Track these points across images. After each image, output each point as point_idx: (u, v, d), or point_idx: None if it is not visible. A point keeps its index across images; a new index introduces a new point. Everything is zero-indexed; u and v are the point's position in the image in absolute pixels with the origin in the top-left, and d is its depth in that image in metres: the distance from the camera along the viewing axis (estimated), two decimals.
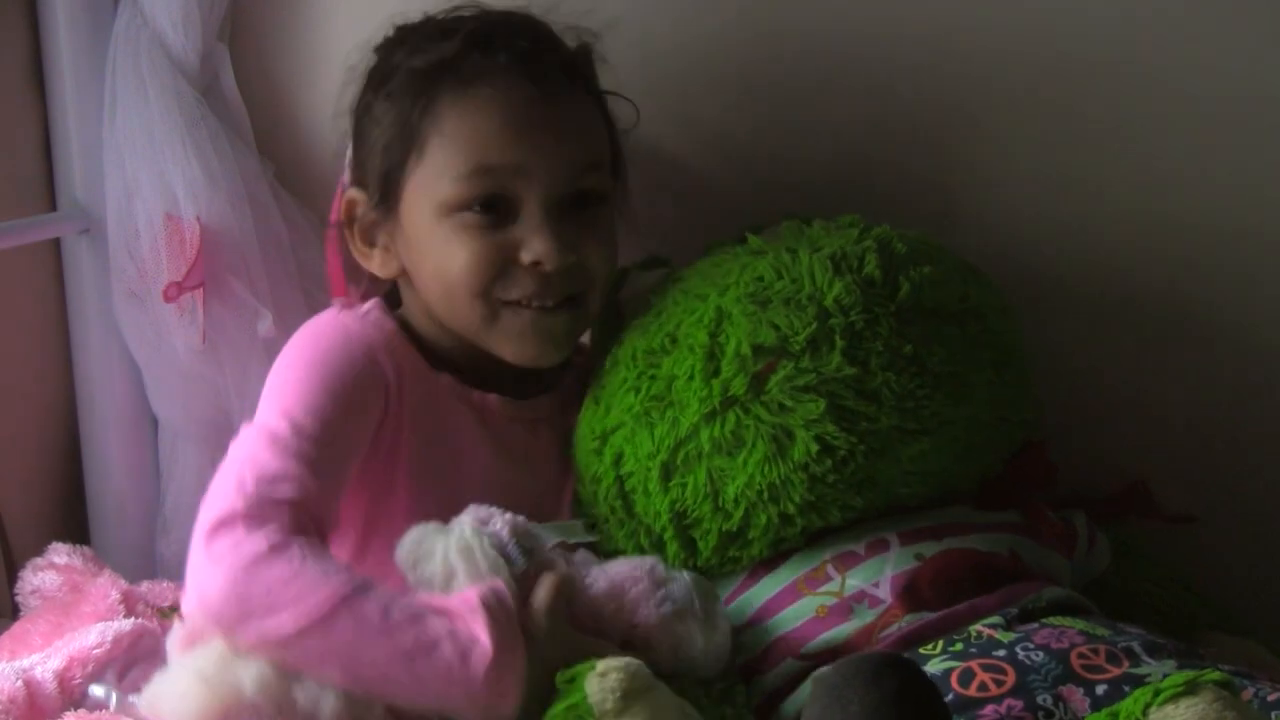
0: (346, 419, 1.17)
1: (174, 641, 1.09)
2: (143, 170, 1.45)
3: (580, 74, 1.29)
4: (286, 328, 1.45)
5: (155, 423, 1.55)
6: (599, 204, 1.27)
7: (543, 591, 1.08)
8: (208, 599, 1.06)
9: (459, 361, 1.28)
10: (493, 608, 1.04)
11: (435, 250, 1.24)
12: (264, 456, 1.12)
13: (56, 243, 1.53)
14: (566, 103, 1.25)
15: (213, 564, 1.06)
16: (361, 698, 1.05)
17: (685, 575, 1.13)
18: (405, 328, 1.28)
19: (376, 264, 1.30)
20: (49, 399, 1.54)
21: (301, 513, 1.09)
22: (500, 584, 1.07)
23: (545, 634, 1.06)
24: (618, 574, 1.13)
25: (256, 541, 1.06)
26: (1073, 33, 1.35)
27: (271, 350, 1.44)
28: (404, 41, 1.28)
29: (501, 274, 1.23)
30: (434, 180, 1.23)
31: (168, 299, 1.43)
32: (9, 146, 1.49)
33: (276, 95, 1.52)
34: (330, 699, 1.04)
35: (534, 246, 1.21)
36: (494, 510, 1.12)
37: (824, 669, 0.90)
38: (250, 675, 1.04)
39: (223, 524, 1.07)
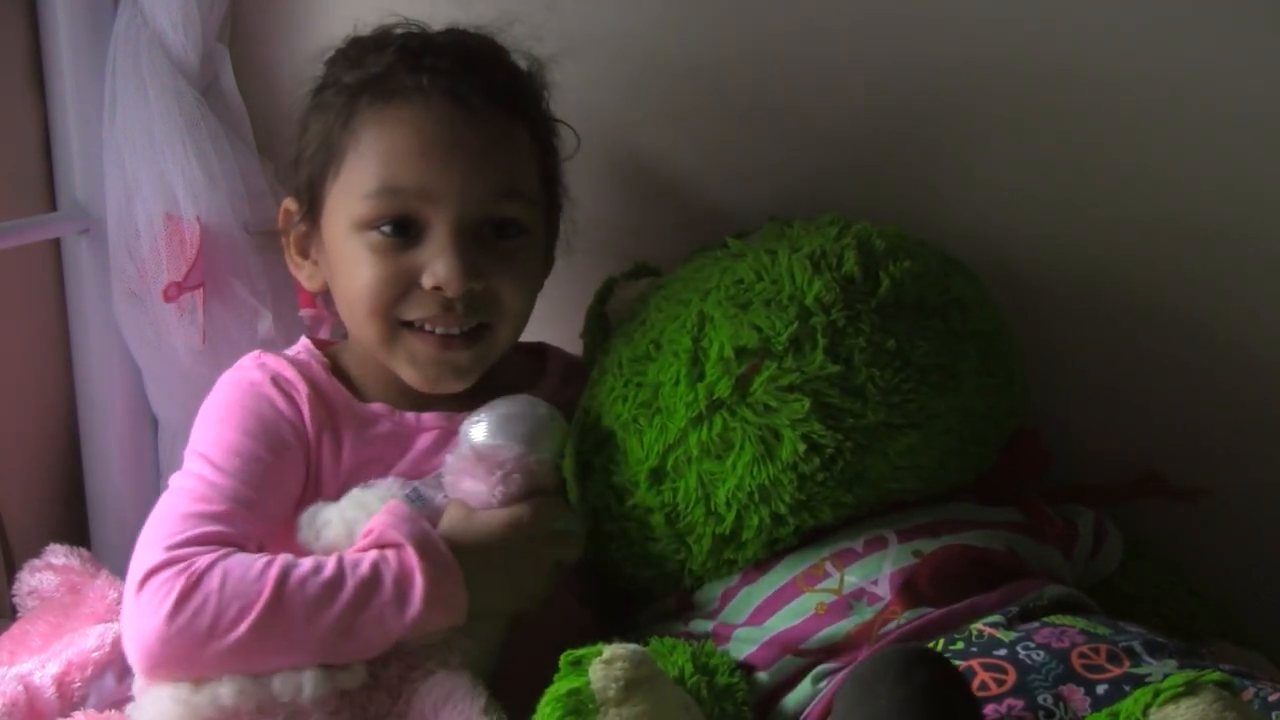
0: (268, 452, 1.19)
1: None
2: (143, 170, 1.45)
3: (512, 99, 1.26)
4: (286, 328, 1.45)
5: (155, 423, 1.55)
6: (519, 234, 1.25)
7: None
8: (147, 645, 1.08)
9: (399, 382, 1.27)
10: (396, 517, 1.11)
11: (343, 266, 1.24)
12: (185, 500, 1.15)
13: (56, 243, 1.53)
14: (486, 127, 1.22)
15: (142, 612, 1.08)
16: (338, 664, 1.08)
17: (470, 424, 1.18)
18: (338, 361, 1.29)
19: (305, 275, 1.31)
20: (49, 399, 1.55)
21: (226, 543, 1.12)
22: (394, 502, 1.12)
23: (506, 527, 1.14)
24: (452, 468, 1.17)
25: (181, 577, 1.08)
26: (1066, 36, 1.35)
27: (271, 350, 1.45)
28: (346, 54, 1.28)
29: (404, 296, 1.22)
30: (347, 196, 1.23)
31: (168, 299, 1.44)
32: (9, 146, 1.49)
33: (276, 95, 1.52)
34: (309, 676, 1.07)
35: (436, 270, 1.20)
36: (375, 481, 1.17)
37: (854, 663, 0.90)
38: (226, 687, 1.07)
39: (149, 574, 1.09)
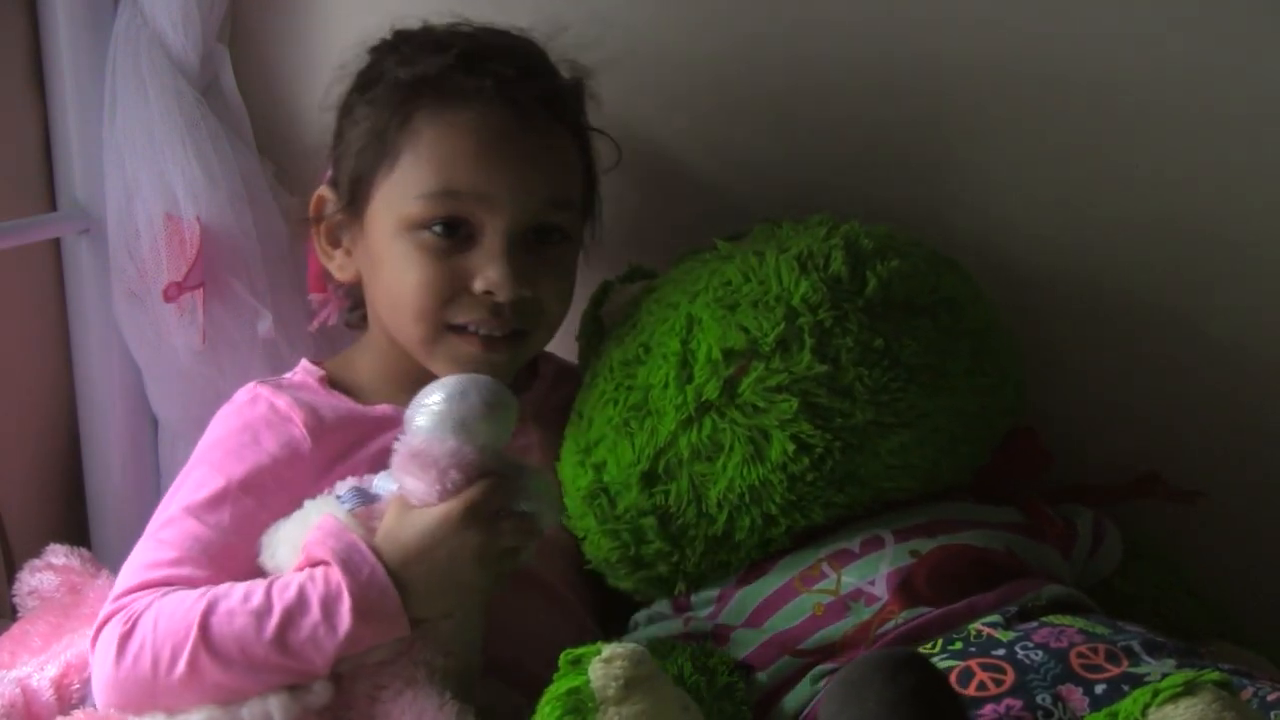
0: (245, 494, 1.17)
1: None
2: (143, 170, 1.45)
3: (565, 108, 1.27)
4: (286, 328, 1.45)
5: (155, 423, 1.55)
6: (562, 242, 1.26)
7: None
8: (105, 694, 1.10)
9: (406, 382, 1.23)
10: (324, 533, 1.09)
11: (391, 264, 1.23)
12: (146, 549, 1.16)
13: (56, 243, 1.53)
14: (543, 135, 1.23)
15: (96, 663, 1.11)
16: (299, 684, 1.08)
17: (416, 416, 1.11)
18: (339, 374, 1.28)
19: (336, 265, 1.30)
20: (49, 399, 1.55)
21: (173, 585, 1.12)
22: (325, 516, 1.10)
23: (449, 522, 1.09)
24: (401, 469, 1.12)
25: (120, 624, 1.10)
26: (1066, 36, 1.35)
27: (271, 350, 1.45)
28: (397, 49, 1.28)
29: (452, 299, 1.22)
30: (400, 194, 1.22)
31: (168, 299, 1.43)
32: (9, 146, 1.49)
33: (276, 95, 1.52)
34: (275, 702, 1.08)
35: (488, 275, 1.20)
36: (327, 490, 1.16)
37: (844, 666, 0.90)
38: (197, 716, 1.08)
39: (100, 627, 1.12)
